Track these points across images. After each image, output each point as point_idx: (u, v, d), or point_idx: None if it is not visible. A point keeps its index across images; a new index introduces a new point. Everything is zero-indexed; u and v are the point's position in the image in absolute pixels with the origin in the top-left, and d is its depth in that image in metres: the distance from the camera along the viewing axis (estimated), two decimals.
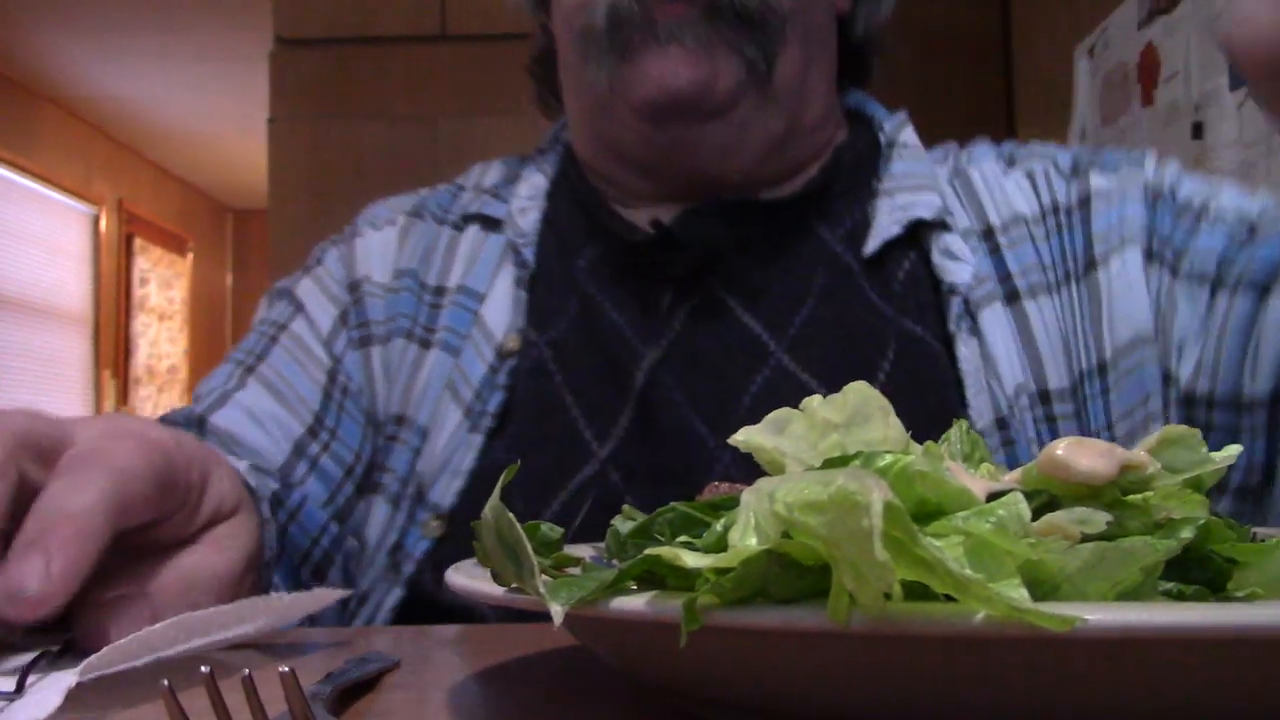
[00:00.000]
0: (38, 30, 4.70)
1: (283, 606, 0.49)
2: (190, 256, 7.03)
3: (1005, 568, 0.27)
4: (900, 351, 0.72)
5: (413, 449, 0.74)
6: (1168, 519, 0.33)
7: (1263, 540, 0.33)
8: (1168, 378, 0.70)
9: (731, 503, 0.33)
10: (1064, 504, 0.33)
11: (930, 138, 0.85)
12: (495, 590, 0.36)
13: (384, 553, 0.73)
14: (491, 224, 0.81)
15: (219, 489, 0.54)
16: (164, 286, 6.66)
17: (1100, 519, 0.32)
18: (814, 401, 0.38)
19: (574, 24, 0.76)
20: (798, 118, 0.78)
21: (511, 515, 0.35)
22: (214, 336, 7.36)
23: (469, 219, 0.82)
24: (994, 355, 0.71)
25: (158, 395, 6.54)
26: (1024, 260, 0.74)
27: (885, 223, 0.76)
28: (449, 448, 0.73)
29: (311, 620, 0.72)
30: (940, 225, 0.75)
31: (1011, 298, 0.73)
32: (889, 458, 0.30)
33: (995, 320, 0.72)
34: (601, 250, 0.78)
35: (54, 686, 0.38)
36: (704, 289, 0.75)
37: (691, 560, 0.29)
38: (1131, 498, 0.34)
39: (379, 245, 0.82)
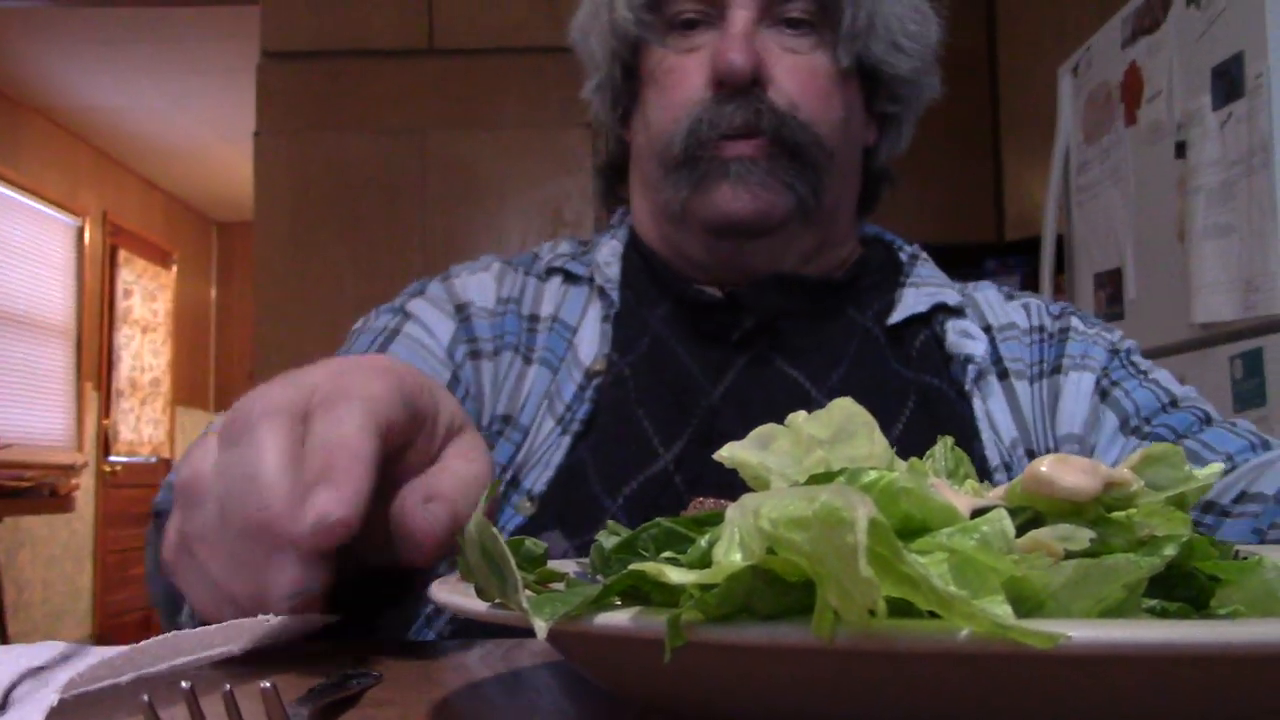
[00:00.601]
0: (24, 40, 4.69)
1: (268, 629, 0.49)
2: (174, 269, 7.01)
3: (989, 584, 0.27)
4: (920, 401, 0.87)
5: (514, 444, 0.86)
6: (1151, 536, 0.33)
7: (1245, 558, 0.33)
8: None
9: (716, 519, 0.33)
10: (1048, 521, 0.33)
11: (916, 154, 1.01)
12: (478, 605, 0.35)
13: None
14: (573, 278, 0.95)
15: (449, 408, 0.56)
16: (148, 299, 6.64)
17: (1084, 536, 0.32)
18: (799, 417, 0.38)
19: (655, 147, 0.91)
20: (828, 234, 0.94)
21: (495, 530, 0.34)
22: (197, 349, 7.33)
23: (552, 271, 0.96)
24: (993, 413, 0.87)
25: (140, 408, 6.51)
26: (1012, 352, 0.92)
27: (910, 304, 0.93)
28: (543, 447, 0.85)
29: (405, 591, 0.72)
30: (958, 312, 0.93)
31: (1003, 375, 0.90)
32: (874, 474, 0.30)
33: (991, 387, 0.89)
34: (672, 307, 0.93)
35: (35, 703, 0.38)
36: (756, 347, 0.89)
37: (675, 575, 0.29)
38: (1115, 515, 0.34)
39: (476, 283, 0.95)
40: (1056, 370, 0.91)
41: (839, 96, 0.90)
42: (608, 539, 0.36)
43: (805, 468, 0.38)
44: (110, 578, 5.94)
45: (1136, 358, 0.93)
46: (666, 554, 0.34)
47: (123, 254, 6.30)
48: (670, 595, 0.30)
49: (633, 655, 0.32)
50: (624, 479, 0.83)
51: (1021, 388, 0.90)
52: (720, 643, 0.28)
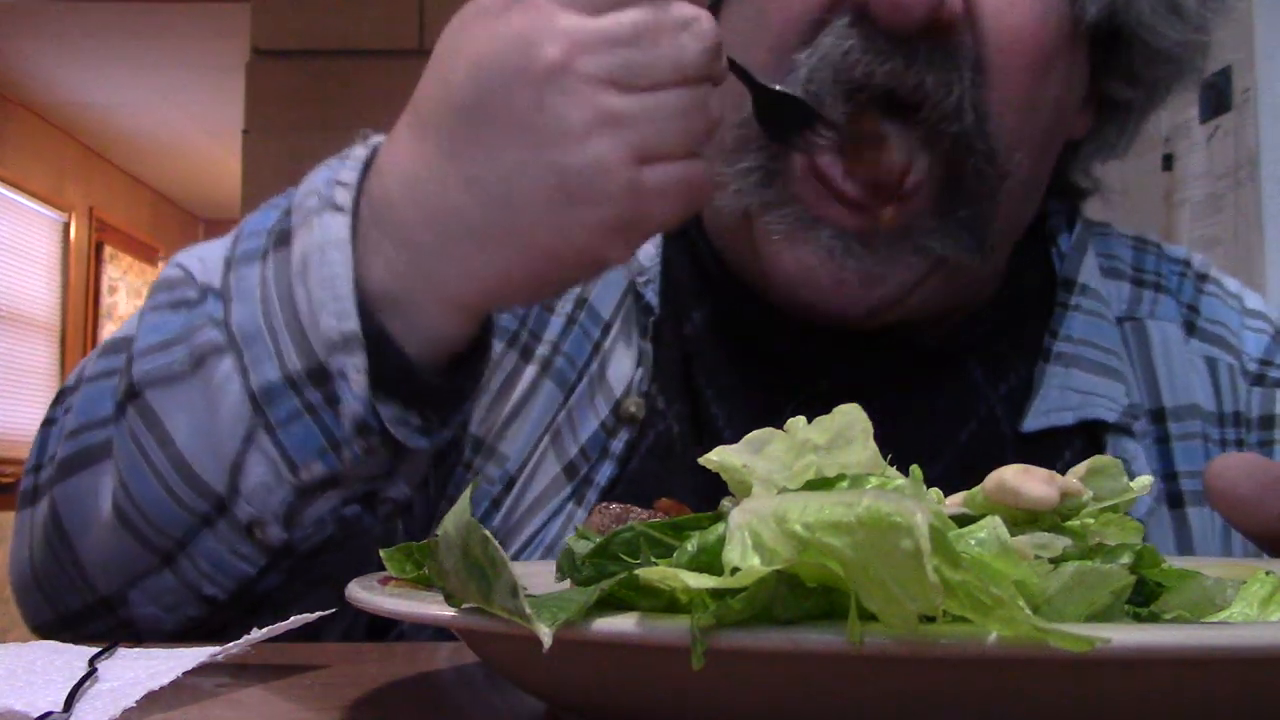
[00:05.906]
0: (10, 35, 4.66)
1: (258, 635, 0.50)
2: (160, 266, 6.98)
3: (1007, 589, 0.26)
4: None
5: (490, 498, 0.62)
6: (1100, 544, 0.35)
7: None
8: None
9: (694, 524, 0.33)
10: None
11: None
12: (444, 612, 0.34)
13: None
14: None
15: None
16: (133, 295, 6.60)
17: (1059, 544, 0.33)
18: (799, 422, 0.37)
19: (726, 103, 0.55)
20: (972, 283, 0.65)
21: (486, 532, 0.32)
22: None
23: None
24: None
25: None
26: (1194, 461, 0.65)
27: (1055, 399, 0.65)
28: (542, 511, 0.62)
29: None
30: (1123, 430, 0.64)
31: (1175, 501, 0.65)
32: (875, 481, 0.30)
33: (1156, 526, 0.64)
34: (711, 315, 0.67)
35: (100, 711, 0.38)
36: (820, 400, 0.64)
37: (693, 581, 0.28)
38: (1069, 523, 0.35)
39: None
40: None
41: (1059, 67, 0.59)
42: (578, 543, 0.35)
43: (794, 473, 0.37)
44: None
45: None
46: (645, 557, 0.33)
47: (108, 250, 6.26)
48: (658, 600, 0.29)
49: (633, 662, 0.31)
50: None
51: (1195, 515, 0.64)
52: (742, 649, 0.27)
